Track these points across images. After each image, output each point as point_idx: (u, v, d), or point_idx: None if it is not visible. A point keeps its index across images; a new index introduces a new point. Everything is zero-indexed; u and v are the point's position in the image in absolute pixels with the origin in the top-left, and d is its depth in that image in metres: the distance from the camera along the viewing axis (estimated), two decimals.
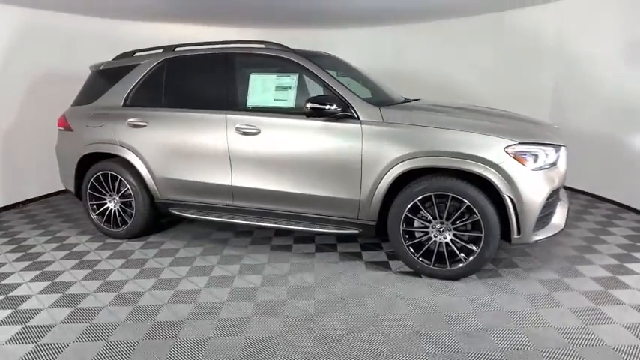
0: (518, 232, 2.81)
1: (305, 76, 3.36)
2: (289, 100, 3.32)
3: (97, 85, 4.10)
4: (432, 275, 3.05)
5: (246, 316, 2.61)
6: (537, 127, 3.19)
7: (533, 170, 2.78)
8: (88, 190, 4.00)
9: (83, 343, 2.37)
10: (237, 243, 3.83)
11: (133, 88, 3.85)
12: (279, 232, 4.03)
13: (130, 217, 3.90)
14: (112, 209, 3.99)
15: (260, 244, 3.79)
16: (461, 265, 2.95)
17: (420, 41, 6.53)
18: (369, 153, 3.03)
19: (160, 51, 3.93)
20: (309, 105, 3.06)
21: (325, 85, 3.21)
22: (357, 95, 3.16)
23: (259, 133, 3.32)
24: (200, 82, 3.68)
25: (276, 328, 2.48)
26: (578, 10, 4.98)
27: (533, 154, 2.80)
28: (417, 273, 3.13)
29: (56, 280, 3.18)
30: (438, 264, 3.01)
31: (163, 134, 3.64)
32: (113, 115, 3.85)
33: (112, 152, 3.84)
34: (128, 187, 3.83)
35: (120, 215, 3.95)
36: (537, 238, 2.87)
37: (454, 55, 6.27)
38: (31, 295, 2.94)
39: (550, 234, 2.93)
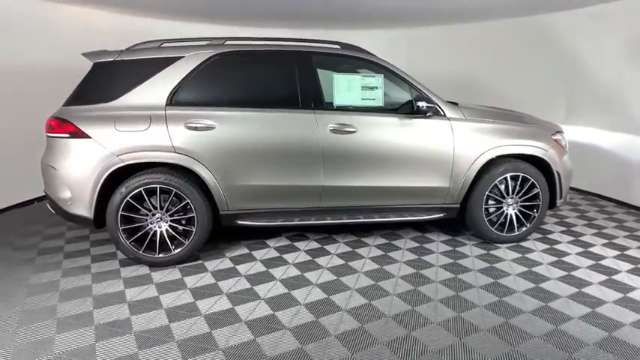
0: (560, 197, 3.82)
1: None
2: (377, 99, 3.51)
3: (113, 80, 3.28)
4: (504, 241, 3.79)
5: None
6: (547, 121, 4.25)
7: (565, 150, 3.84)
8: (121, 212, 3.17)
9: None
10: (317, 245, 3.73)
11: (180, 84, 3.26)
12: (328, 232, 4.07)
13: (187, 237, 3.30)
14: (156, 232, 3.27)
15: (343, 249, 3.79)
16: (524, 229, 3.78)
17: (434, 44, 6.84)
18: (459, 145, 3.54)
19: (204, 43, 3.45)
20: (419, 104, 3.38)
21: (413, 87, 3.54)
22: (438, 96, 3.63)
23: (356, 131, 3.40)
24: (276, 79, 3.44)
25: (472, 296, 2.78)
26: (594, 18, 5.16)
27: (562, 139, 3.85)
28: (487, 242, 3.81)
29: None
30: (508, 231, 3.77)
31: (238, 137, 3.26)
32: (159, 116, 3.18)
33: (166, 161, 3.18)
34: (188, 200, 3.23)
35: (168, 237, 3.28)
36: (567, 199, 3.95)
37: (469, 59, 6.61)
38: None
39: (569, 197, 4.05)
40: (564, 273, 3.21)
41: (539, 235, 3.99)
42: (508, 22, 6.16)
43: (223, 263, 3.40)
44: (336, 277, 3.15)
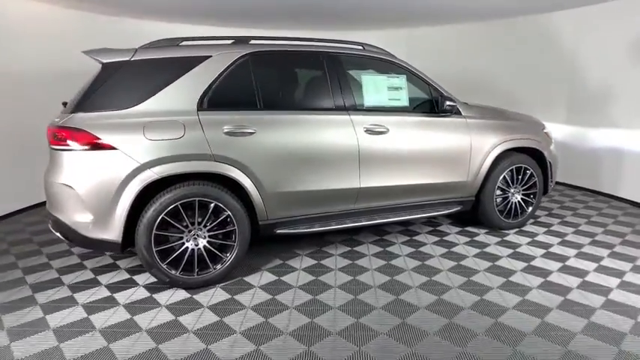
0: (551, 184, 4.27)
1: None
2: (403, 99, 3.58)
3: (132, 83, 2.89)
4: (510, 227, 4.12)
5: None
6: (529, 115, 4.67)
7: (552, 141, 4.30)
8: (155, 232, 2.80)
9: None
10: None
11: (210, 86, 2.99)
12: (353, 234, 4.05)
13: (229, 252, 3.03)
14: (192, 249, 2.95)
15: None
16: (526, 214, 4.16)
17: (433, 43, 6.84)
18: (475, 141, 3.77)
19: (229, 42, 3.20)
20: (447, 103, 3.52)
21: (432, 87, 3.68)
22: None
23: (388, 131, 3.43)
24: (309, 81, 3.31)
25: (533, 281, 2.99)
26: (597, 16, 5.20)
27: (549, 132, 4.31)
28: (493, 229, 4.11)
29: None
30: (513, 218, 4.11)
31: (280, 141, 3.09)
32: (193, 121, 2.88)
33: (205, 170, 2.89)
34: (228, 212, 2.97)
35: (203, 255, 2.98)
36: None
37: (468, 58, 6.68)
38: None
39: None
40: (576, 251, 3.61)
41: (532, 220, 4.42)
42: (509, 22, 6.21)
43: (265, 277, 3.19)
44: (390, 277, 3.15)
